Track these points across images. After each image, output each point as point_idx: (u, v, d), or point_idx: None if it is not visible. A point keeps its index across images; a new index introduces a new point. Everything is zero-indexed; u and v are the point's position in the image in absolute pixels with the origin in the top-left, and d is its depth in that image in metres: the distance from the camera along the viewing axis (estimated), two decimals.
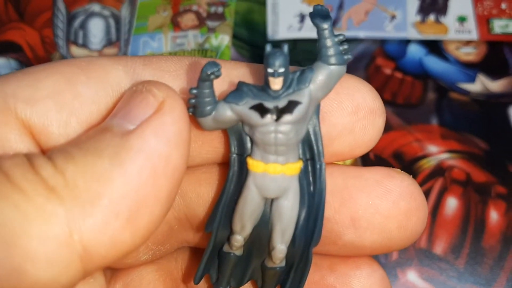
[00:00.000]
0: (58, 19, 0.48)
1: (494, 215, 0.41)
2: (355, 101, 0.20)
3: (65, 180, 0.15)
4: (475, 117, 0.45)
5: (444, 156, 0.43)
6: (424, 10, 0.49)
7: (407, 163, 0.43)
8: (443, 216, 0.41)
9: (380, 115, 0.20)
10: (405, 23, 0.49)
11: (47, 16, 0.49)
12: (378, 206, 0.20)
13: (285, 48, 0.18)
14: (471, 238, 0.40)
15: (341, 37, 0.19)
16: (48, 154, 0.16)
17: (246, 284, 0.23)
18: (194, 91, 0.19)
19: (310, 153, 0.20)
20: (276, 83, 0.18)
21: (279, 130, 0.19)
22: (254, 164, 0.19)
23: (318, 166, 0.20)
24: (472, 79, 0.46)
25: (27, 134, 0.18)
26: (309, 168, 0.20)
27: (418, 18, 0.49)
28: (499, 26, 0.49)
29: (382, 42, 0.48)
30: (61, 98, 0.18)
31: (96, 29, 0.48)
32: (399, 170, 0.21)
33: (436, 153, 0.43)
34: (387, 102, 0.46)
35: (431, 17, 0.49)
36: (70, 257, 0.15)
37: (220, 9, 0.49)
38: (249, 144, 0.20)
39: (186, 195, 0.22)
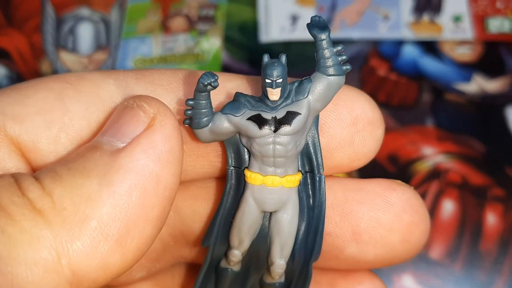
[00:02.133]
0: (47, 24, 0.48)
1: (491, 218, 0.40)
2: (354, 112, 0.20)
3: (52, 202, 0.15)
4: (471, 118, 0.45)
5: (440, 158, 0.43)
6: (418, 10, 0.49)
7: (402, 166, 0.42)
8: (439, 220, 0.40)
9: (379, 126, 0.20)
10: (399, 24, 0.48)
11: (36, 22, 0.49)
12: (380, 219, 0.20)
13: (283, 58, 0.18)
14: (468, 241, 0.40)
15: (339, 48, 0.19)
16: (36, 174, 0.16)
17: None
18: (191, 102, 0.18)
19: (309, 165, 0.20)
20: (274, 94, 0.18)
21: (277, 142, 0.18)
22: (252, 177, 0.19)
23: (317, 178, 0.20)
24: (467, 80, 0.46)
25: (17, 152, 0.17)
26: (308, 180, 0.20)
27: (412, 18, 0.48)
28: (494, 25, 0.48)
29: (376, 43, 0.47)
30: (50, 115, 0.18)
31: (86, 34, 0.48)
32: (400, 182, 0.21)
33: (432, 155, 0.43)
34: (381, 104, 0.45)
35: (426, 17, 0.48)
36: (58, 282, 0.15)
37: (210, 12, 0.48)
38: (246, 156, 0.20)
39: (181, 211, 0.21)
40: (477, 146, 0.43)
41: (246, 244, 0.20)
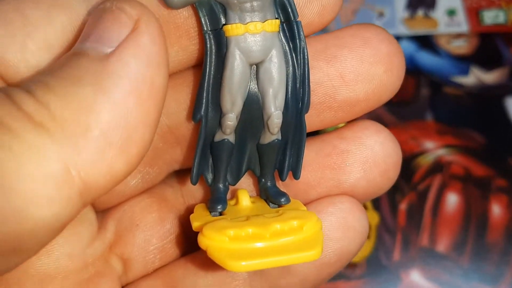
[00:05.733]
0: None
1: (496, 209, 0.40)
2: None
3: (50, 114, 0.15)
4: (470, 110, 0.45)
5: (442, 151, 0.43)
6: (412, 5, 0.49)
7: (404, 161, 0.42)
8: (444, 213, 0.40)
9: None
10: (394, 20, 0.48)
11: None
12: (362, 55, 0.20)
13: None
14: (474, 234, 0.39)
15: None
16: (23, 87, 0.15)
17: (244, 184, 0.22)
18: None
19: (284, 14, 0.20)
20: None
21: None
22: (234, 28, 0.19)
23: (294, 25, 0.20)
24: (465, 72, 0.46)
25: None
26: (286, 30, 0.20)
27: (406, 14, 0.49)
28: (489, 17, 0.48)
29: None
30: (11, 26, 0.17)
31: None
32: (369, 23, 0.21)
33: (433, 149, 0.43)
34: None
35: (420, 12, 0.49)
36: (70, 193, 0.15)
37: None
38: (221, 16, 0.19)
39: (165, 105, 0.21)
40: (478, 138, 0.43)
41: (239, 104, 0.20)
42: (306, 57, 0.20)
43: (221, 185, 0.21)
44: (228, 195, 0.21)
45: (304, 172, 0.21)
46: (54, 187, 0.14)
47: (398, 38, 0.47)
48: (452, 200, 0.41)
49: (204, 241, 0.18)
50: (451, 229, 0.40)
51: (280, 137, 0.20)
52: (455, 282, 0.38)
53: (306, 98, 0.20)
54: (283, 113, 0.20)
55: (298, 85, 0.20)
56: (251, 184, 0.23)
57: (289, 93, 0.20)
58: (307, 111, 0.20)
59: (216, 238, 0.18)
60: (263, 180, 0.21)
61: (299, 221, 0.18)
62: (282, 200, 0.20)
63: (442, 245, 0.39)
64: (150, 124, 0.16)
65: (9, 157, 0.14)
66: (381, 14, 0.48)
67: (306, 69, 0.20)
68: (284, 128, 0.20)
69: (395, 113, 0.44)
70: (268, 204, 0.21)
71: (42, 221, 0.14)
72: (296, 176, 0.21)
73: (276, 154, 0.21)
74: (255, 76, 0.20)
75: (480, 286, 0.38)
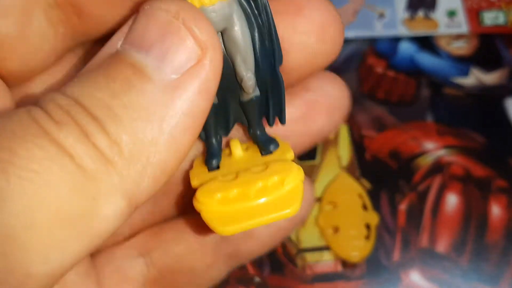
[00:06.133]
0: None
1: (496, 210, 0.40)
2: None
3: (120, 150, 0.15)
4: (470, 111, 0.45)
5: (442, 152, 0.43)
6: (412, 6, 0.49)
7: (404, 161, 0.42)
8: (443, 214, 0.40)
9: None
10: (394, 21, 0.48)
11: None
12: (295, 24, 0.21)
13: None
14: (474, 234, 0.39)
15: None
16: (89, 110, 0.15)
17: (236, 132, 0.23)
18: None
19: None
20: None
21: None
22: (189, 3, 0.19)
23: None
24: (465, 73, 0.46)
25: None
26: None
27: (407, 14, 0.49)
28: (489, 18, 0.48)
29: (372, 41, 0.47)
30: None
31: None
32: None
33: (433, 149, 0.43)
34: (380, 101, 0.45)
35: (420, 13, 0.49)
36: (126, 218, 0.16)
37: None
38: None
39: None
40: (478, 138, 0.43)
41: None
42: (269, 13, 0.20)
43: (213, 140, 0.22)
44: (225, 145, 0.23)
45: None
46: (118, 222, 0.15)
47: (399, 39, 0.48)
48: (452, 200, 0.41)
49: (197, 205, 0.19)
50: (451, 230, 0.40)
51: (258, 93, 0.21)
52: (454, 282, 0.38)
53: (276, 53, 0.20)
54: (256, 72, 0.20)
55: (267, 43, 0.20)
56: (244, 132, 0.24)
57: (258, 52, 0.20)
58: (280, 63, 0.20)
59: (206, 202, 0.19)
60: (251, 130, 0.22)
61: (280, 176, 0.19)
62: (271, 147, 0.22)
63: (442, 246, 0.39)
64: (186, 154, 0.17)
65: (83, 196, 0.14)
66: (381, 15, 0.49)
67: (272, 26, 0.20)
68: (261, 84, 0.21)
69: (395, 113, 0.45)
70: (260, 152, 0.22)
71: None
72: (282, 121, 0.22)
73: (258, 108, 0.22)
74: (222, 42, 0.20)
75: (479, 286, 0.38)
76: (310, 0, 0.21)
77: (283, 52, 0.20)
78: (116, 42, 0.16)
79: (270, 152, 0.22)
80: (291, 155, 0.21)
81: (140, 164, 0.15)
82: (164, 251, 0.22)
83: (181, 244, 0.22)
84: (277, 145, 0.22)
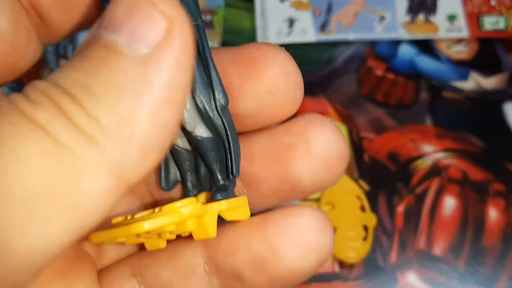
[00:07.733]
0: None
1: (493, 213, 0.40)
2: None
3: (99, 126, 0.15)
4: (469, 115, 0.45)
5: (440, 155, 0.43)
6: (413, 9, 0.49)
7: (402, 164, 0.43)
8: (441, 216, 0.40)
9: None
10: (394, 24, 0.49)
11: None
12: (247, 74, 0.21)
13: None
14: (471, 237, 0.40)
15: None
16: (66, 90, 0.15)
17: None
18: None
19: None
20: None
21: None
22: None
23: (196, 28, 0.19)
24: (465, 77, 0.46)
25: None
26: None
27: (407, 18, 0.49)
28: (489, 22, 0.48)
29: (372, 43, 0.48)
30: None
31: None
32: (266, 42, 0.21)
33: (432, 152, 0.43)
34: (379, 104, 0.45)
35: (421, 17, 0.49)
36: (117, 199, 0.15)
37: (208, 18, 0.48)
38: None
39: None
40: (476, 142, 0.44)
41: None
42: (209, 59, 0.20)
43: (188, 184, 0.22)
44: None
45: (255, 165, 0.21)
46: (110, 200, 0.15)
47: (399, 42, 0.48)
48: (450, 203, 0.41)
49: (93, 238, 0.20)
50: (448, 232, 0.40)
51: (203, 134, 0.20)
52: (451, 285, 0.38)
53: (218, 96, 0.20)
54: (203, 115, 0.20)
55: (207, 87, 0.20)
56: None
57: (200, 96, 0.20)
58: (226, 105, 0.20)
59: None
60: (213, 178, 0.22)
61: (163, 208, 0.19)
62: (218, 196, 0.20)
63: (439, 248, 0.39)
64: (174, 132, 0.16)
65: (66, 177, 0.14)
66: (382, 18, 0.49)
67: (212, 70, 0.20)
68: (212, 128, 0.20)
69: (394, 116, 0.45)
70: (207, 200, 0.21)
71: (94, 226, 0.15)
72: (232, 172, 0.21)
73: (209, 153, 0.21)
74: None
75: None
76: (264, 54, 0.20)
77: (232, 98, 0.20)
78: (93, 30, 0.17)
79: (216, 200, 0.20)
80: (247, 206, 0.20)
81: (123, 139, 0.15)
82: (154, 274, 0.22)
83: (169, 267, 0.22)
84: (227, 196, 0.20)
